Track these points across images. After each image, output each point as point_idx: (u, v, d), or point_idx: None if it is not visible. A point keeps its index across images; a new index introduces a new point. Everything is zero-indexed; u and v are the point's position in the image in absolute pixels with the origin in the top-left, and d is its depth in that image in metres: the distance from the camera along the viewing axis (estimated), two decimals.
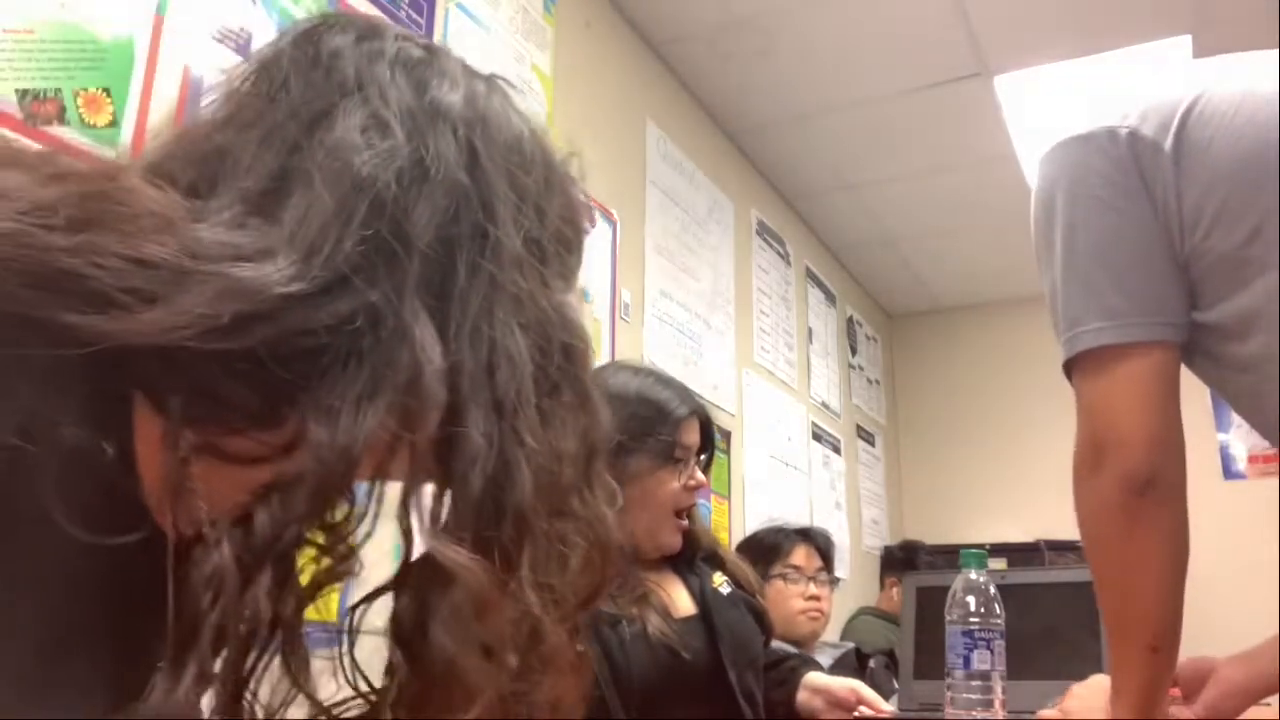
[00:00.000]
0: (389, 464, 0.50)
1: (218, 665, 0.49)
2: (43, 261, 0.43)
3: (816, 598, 2.41)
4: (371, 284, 0.49)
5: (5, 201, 0.44)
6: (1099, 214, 0.97)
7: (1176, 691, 1.01)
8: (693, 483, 1.38)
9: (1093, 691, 1.04)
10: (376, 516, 0.55)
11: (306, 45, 0.56)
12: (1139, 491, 0.93)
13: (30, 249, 0.43)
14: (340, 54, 0.55)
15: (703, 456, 1.44)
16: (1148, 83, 1.01)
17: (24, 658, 0.44)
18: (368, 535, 0.55)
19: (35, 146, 0.55)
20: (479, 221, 0.53)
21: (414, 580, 0.52)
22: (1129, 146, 0.97)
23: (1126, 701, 0.95)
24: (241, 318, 0.46)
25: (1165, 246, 0.95)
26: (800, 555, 2.45)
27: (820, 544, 2.53)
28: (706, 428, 1.46)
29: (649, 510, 1.36)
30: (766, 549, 2.43)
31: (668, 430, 1.38)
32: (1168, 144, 0.95)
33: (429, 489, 0.52)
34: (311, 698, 0.54)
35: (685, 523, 1.39)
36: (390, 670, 0.53)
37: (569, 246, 0.60)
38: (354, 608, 0.55)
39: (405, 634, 0.51)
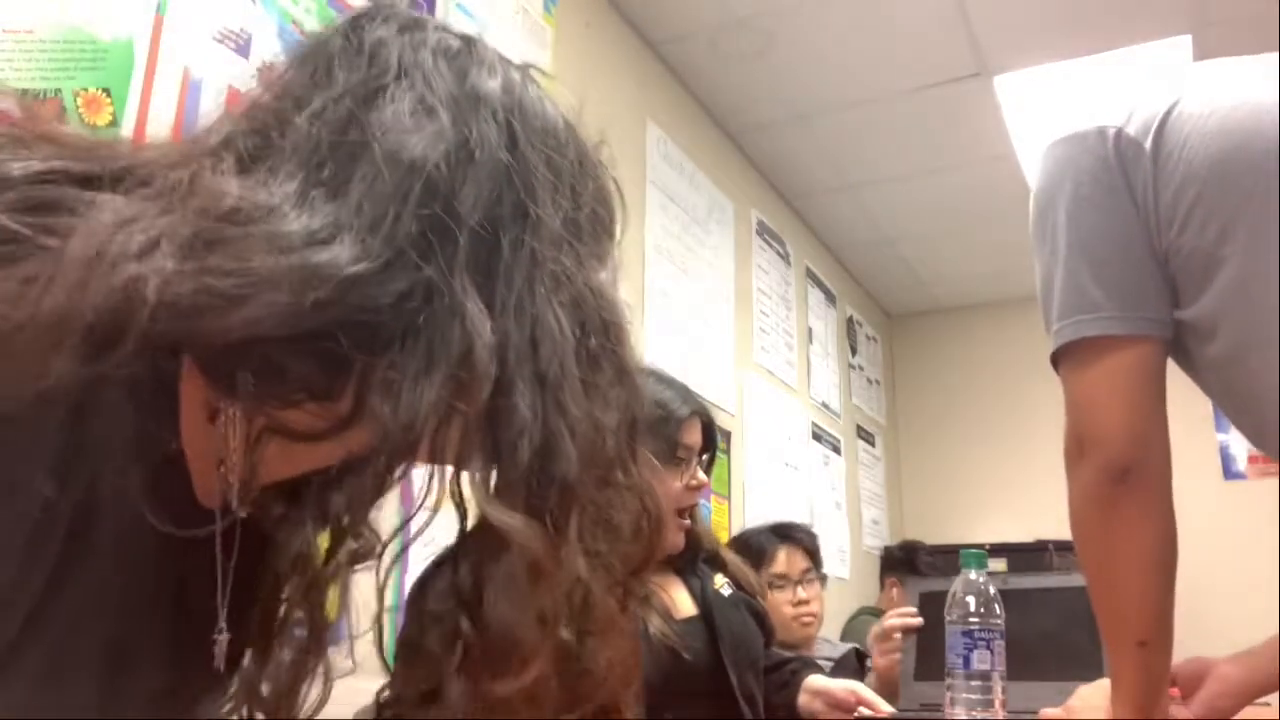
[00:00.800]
0: (443, 438, 0.52)
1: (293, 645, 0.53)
2: (164, 291, 0.44)
3: (805, 601, 2.38)
4: (426, 261, 0.51)
5: (132, 234, 0.45)
6: (1086, 210, 0.99)
7: (1177, 692, 1.01)
8: (695, 482, 1.38)
9: (1097, 691, 1.04)
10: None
11: (351, 35, 0.58)
12: (1117, 481, 0.95)
13: (160, 286, 0.44)
14: (385, 43, 0.57)
15: (704, 457, 1.44)
16: (1146, 84, 1.02)
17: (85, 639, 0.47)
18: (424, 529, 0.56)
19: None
20: (520, 201, 0.55)
21: (471, 549, 0.54)
22: (1114, 145, 0.99)
23: (1122, 699, 0.96)
24: (319, 303, 0.47)
25: (1147, 244, 0.97)
26: (782, 561, 2.40)
27: (803, 543, 2.49)
28: (708, 428, 1.46)
29: None
30: (752, 554, 2.40)
31: (669, 430, 1.38)
32: (1148, 143, 0.97)
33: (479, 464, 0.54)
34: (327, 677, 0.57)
35: (687, 522, 1.39)
36: (451, 639, 0.55)
37: (604, 228, 0.62)
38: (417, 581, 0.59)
39: (465, 602, 0.54)
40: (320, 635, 0.54)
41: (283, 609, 0.54)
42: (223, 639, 0.54)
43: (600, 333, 0.57)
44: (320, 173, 0.52)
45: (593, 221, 0.61)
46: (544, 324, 0.54)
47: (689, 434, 1.41)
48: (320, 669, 0.54)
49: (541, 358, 0.53)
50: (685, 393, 1.46)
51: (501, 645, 0.52)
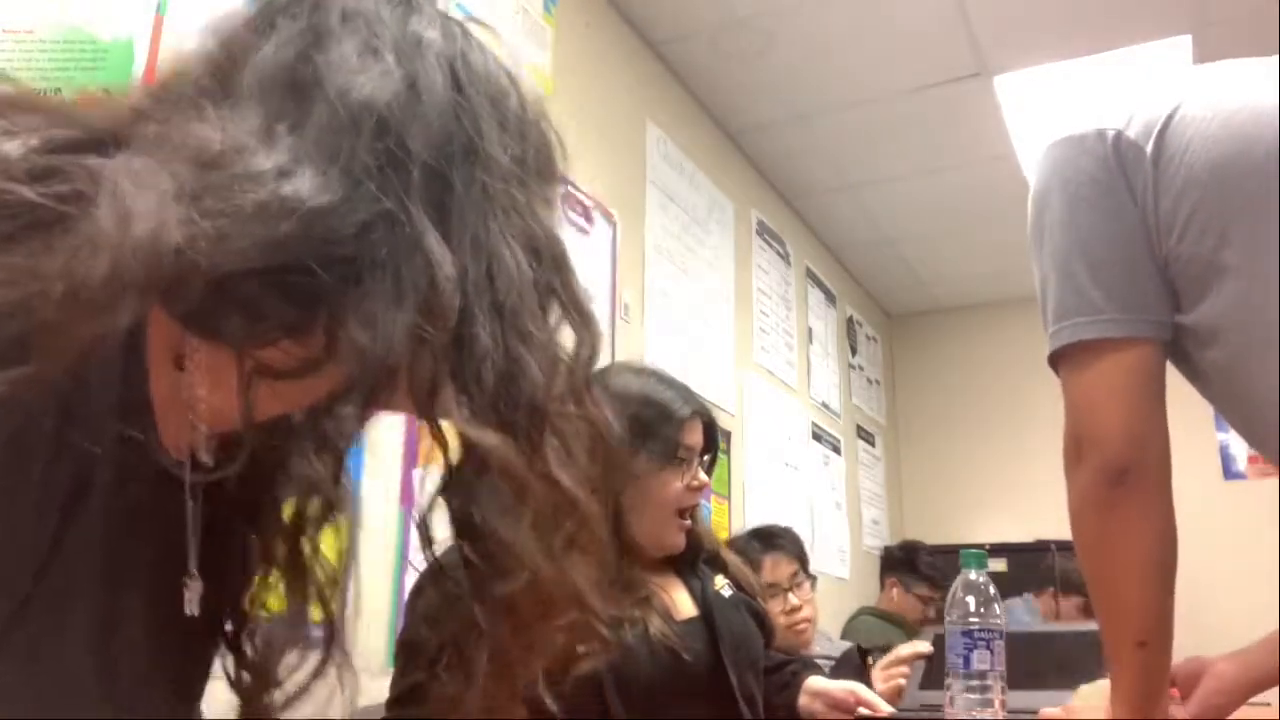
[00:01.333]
0: (415, 370, 0.54)
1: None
2: (184, 238, 0.47)
3: (798, 608, 2.36)
4: (384, 194, 0.53)
5: (146, 190, 0.47)
6: (1084, 212, 0.99)
7: (1176, 693, 1.01)
8: (696, 483, 1.37)
9: (1097, 692, 1.04)
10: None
11: None
12: (1115, 482, 0.95)
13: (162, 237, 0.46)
14: None
15: (706, 457, 1.44)
16: (1146, 86, 1.02)
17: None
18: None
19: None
20: (469, 139, 0.57)
21: (455, 479, 0.57)
22: (1114, 148, 0.98)
23: (1122, 699, 0.96)
24: (289, 235, 0.49)
25: (1146, 246, 0.97)
26: (768, 569, 2.37)
27: (787, 548, 2.46)
28: (710, 428, 1.46)
29: (652, 510, 1.36)
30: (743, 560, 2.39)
31: (670, 430, 1.38)
32: (1149, 147, 0.96)
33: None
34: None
35: (689, 523, 1.39)
36: (461, 565, 0.57)
37: (548, 175, 0.64)
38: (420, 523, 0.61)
39: (461, 529, 0.57)
40: (301, 590, 0.57)
41: (260, 570, 0.57)
42: (195, 585, 0.56)
43: (552, 267, 0.59)
44: (278, 111, 0.53)
45: (539, 162, 0.63)
46: (499, 256, 0.56)
47: (690, 434, 1.40)
48: (303, 632, 0.57)
49: (499, 288, 0.55)
50: (686, 393, 1.45)
51: (499, 557, 0.55)
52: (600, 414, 0.61)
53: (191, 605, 0.56)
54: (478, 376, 0.54)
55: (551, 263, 0.59)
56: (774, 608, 2.28)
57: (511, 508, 0.55)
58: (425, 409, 0.54)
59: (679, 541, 1.37)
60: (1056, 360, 1.01)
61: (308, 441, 0.55)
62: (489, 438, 0.53)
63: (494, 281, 0.55)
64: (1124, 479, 0.94)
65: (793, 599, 2.35)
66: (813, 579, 2.52)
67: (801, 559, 2.47)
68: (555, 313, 0.59)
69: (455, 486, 0.57)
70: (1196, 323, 0.96)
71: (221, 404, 0.53)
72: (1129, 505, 0.95)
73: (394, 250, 0.52)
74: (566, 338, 0.60)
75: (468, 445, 0.54)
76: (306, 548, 0.58)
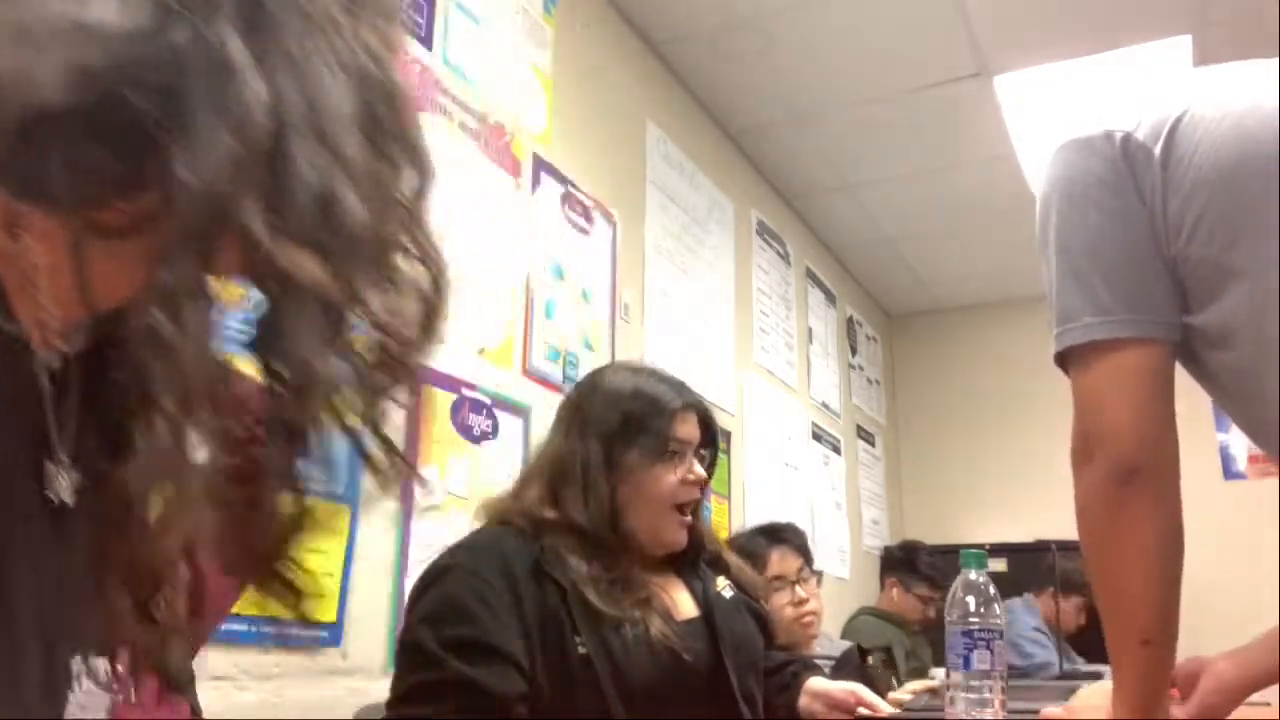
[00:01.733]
0: (234, 203, 0.51)
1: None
2: None
3: (805, 600, 2.38)
4: (192, 11, 0.50)
5: None
6: (1093, 213, 1.00)
7: (1176, 693, 1.01)
8: (691, 477, 1.35)
9: (1097, 692, 1.04)
10: None
11: None
12: (1124, 481, 0.95)
13: None
14: None
15: (705, 452, 1.42)
16: (1153, 88, 1.03)
17: None
18: None
19: None
20: None
21: (268, 314, 0.54)
22: (1123, 149, 0.99)
23: (1124, 698, 0.96)
24: (98, 65, 0.46)
25: (1155, 247, 0.98)
26: (776, 563, 2.40)
27: (793, 542, 2.49)
28: (707, 422, 1.44)
29: (648, 507, 1.34)
30: (747, 557, 2.40)
31: (661, 423, 1.36)
32: (1157, 150, 0.97)
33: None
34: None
35: (689, 519, 1.37)
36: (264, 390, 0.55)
37: (383, 8, 0.60)
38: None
39: (264, 347, 0.54)
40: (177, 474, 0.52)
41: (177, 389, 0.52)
42: (65, 473, 0.54)
43: (385, 102, 0.57)
44: None
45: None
46: (317, 79, 0.53)
47: (682, 427, 1.38)
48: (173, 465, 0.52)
49: (319, 115, 0.53)
50: (681, 388, 1.44)
51: (299, 380, 0.53)
52: (433, 253, 0.58)
53: (61, 493, 0.54)
54: (293, 200, 0.51)
55: (382, 95, 0.56)
56: (781, 600, 2.29)
57: (319, 329, 0.52)
58: (246, 238, 0.51)
59: (679, 538, 1.36)
60: (1065, 360, 1.02)
61: (157, 306, 0.50)
62: (300, 258, 0.51)
63: (312, 106, 0.53)
64: (1133, 478, 0.95)
65: (800, 591, 2.37)
66: (818, 575, 2.53)
67: (806, 554, 2.49)
68: (384, 146, 0.56)
69: (265, 313, 0.54)
70: (1206, 324, 0.96)
71: (62, 278, 0.51)
72: (1137, 504, 0.95)
73: (209, 76, 0.49)
74: (399, 169, 0.57)
75: (277, 270, 0.52)
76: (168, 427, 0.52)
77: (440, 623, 1.18)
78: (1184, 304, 0.98)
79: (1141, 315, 0.97)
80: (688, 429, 1.39)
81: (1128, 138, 0.99)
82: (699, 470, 1.37)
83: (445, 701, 1.14)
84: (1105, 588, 0.99)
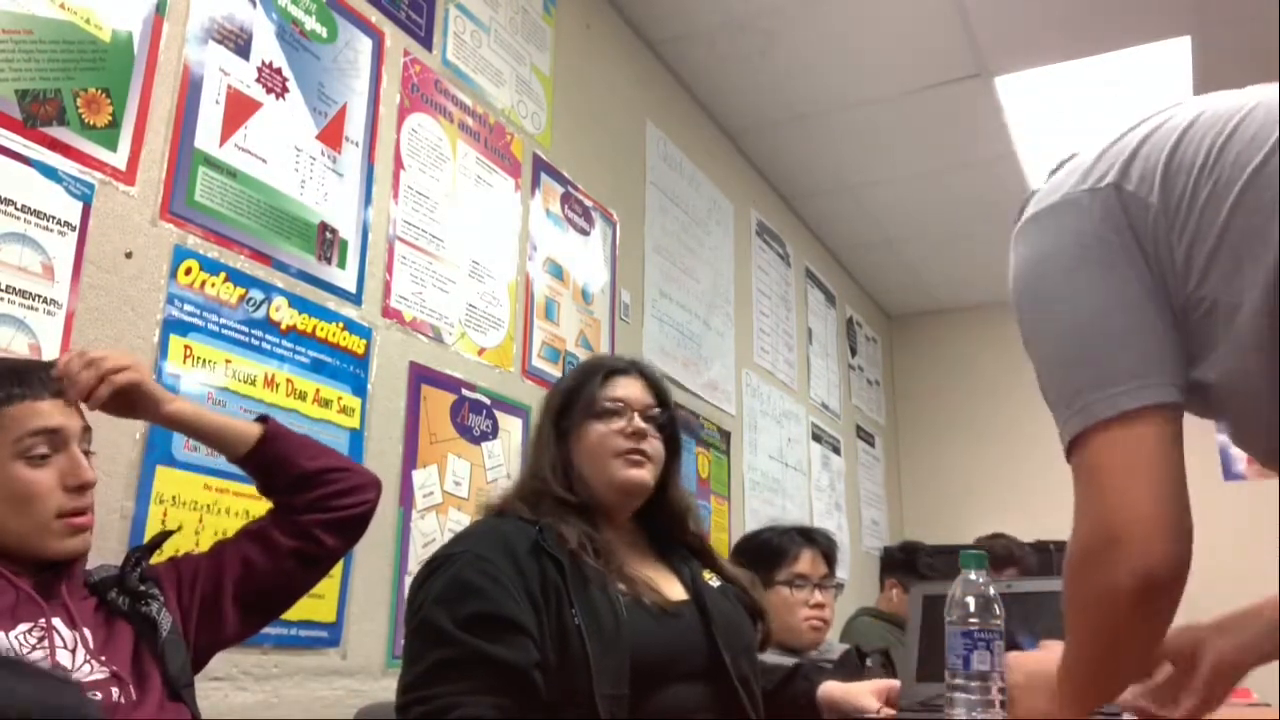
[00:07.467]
0: None
1: None
2: None
3: (821, 605, 2.38)
4: None
5: None
6: (1098, 277, 0.91)
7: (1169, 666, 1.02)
8: (629, 428, 1.41)
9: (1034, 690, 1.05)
10: None
11: None
12: (1161, 592, 0.84)
13: None
14: None
15: (656, 413, 1.46)
16: (1110, 137, 0.95)
17: None
18: None
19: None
20: None
21: None
22: (1116, 202, 0.91)
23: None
24: None
25: (1164, 302, 0.90)
26: (806, 561, 2.40)
27: (825, 548, 2.49)
28: (654, 385, 1.50)
29: (591, 459, 1.40)
30: (771, 552, 2.38)
31: (593, 387, 1.44)
32: (1153, 197, 0.90)
33: None
34: None
35: (639, 459, 1.41)
36: None
37: None
38: None
39: None
40: None
41: None
42: None
43: None
44: None
45: None
46: None
47: (616, 388, 1.45)
48: None
49: None
50: (621, 358, 1.54)
51: None
52: None
53: None
54: None
55: None
56: (800, 597, 2.30)
57: None
58: None
59: (629, 474, 1.39)
60: (1075, 442, 0.90)
61: None
62: None
63: None
64: (1173, 585, 0.84)
65: (818, 595, 2.37)
66: (839, 587, 2.53)
67: (831, 564, 2.49)
68: None
69: None
70: (1204, 376, 0.89)
71: None
72: (1166, 611, 0.87)
73: None
74: None
75: None
76: None
77: (453, 602, 1.20)
78: (1190, 356, 0.90)
79: (1162, 379, 0.88)
80: (624, 390, 1.45)
81: (1118, 188, 0.91)
82: (637, 422, 1.41)
83: (468, 678, 1.15)
84: (1090, 669, 0.93)
